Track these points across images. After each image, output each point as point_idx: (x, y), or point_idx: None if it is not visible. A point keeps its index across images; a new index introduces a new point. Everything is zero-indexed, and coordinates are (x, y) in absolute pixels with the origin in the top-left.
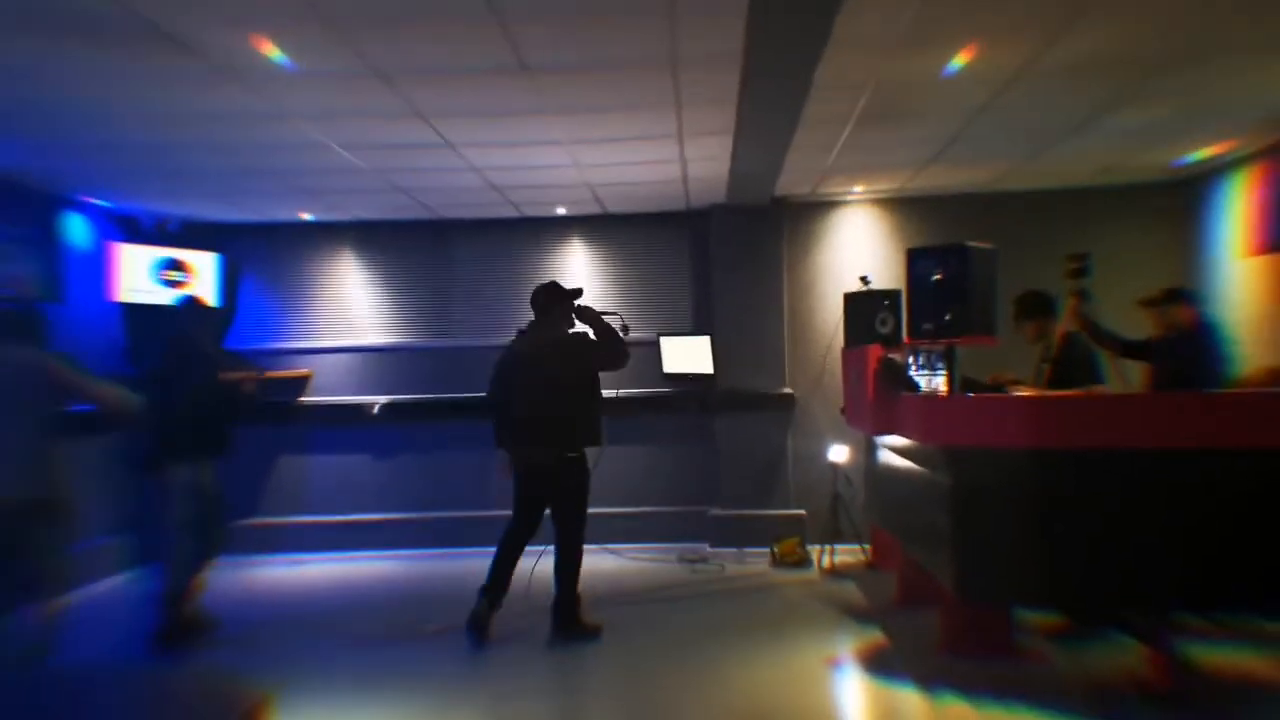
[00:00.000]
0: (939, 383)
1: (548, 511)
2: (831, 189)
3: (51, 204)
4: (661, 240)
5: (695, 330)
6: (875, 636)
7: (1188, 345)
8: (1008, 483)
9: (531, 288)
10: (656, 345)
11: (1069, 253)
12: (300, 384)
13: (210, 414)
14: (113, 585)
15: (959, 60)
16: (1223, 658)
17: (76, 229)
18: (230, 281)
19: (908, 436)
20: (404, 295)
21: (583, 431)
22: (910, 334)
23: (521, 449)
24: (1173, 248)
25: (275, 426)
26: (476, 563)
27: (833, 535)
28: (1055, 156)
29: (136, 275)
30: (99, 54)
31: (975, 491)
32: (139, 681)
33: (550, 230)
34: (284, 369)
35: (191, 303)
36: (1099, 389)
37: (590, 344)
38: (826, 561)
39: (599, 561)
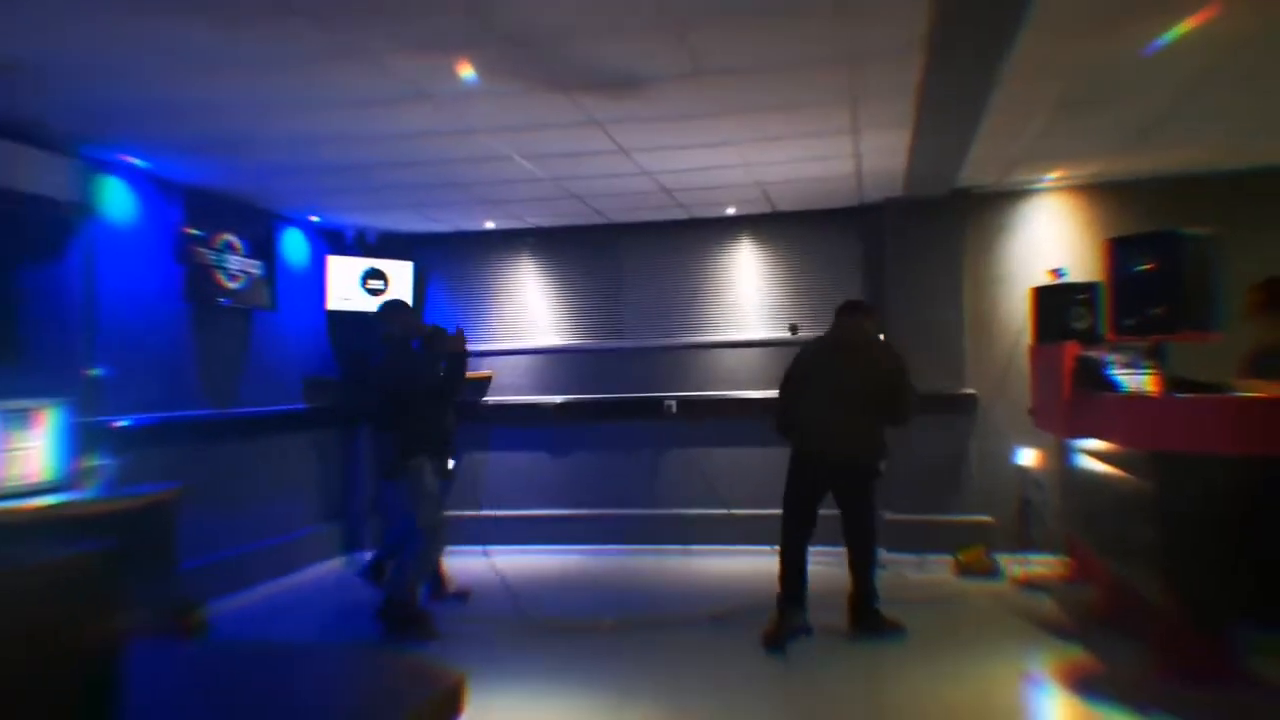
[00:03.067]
0: (1143, 382)
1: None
2: (1020, 177)
3: (270, 220)
4: (832, 236)
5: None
6: (1078, 655)
7: None
8: (1233, 492)
9: (700, 287)
10: None
11: None
12: (483, 385)
13: (443, 408)
14: (329, 569)
15: (1183, 27)
16: None
17: (290, 243)
18: (419, 288)
19: (1110, 441)
20: (577, 298)
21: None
22: (1112, 330)
23: (818, 445)
24: None
25: (464, 426)
26: (647, 560)
27: (1023, 544)
28: None
29: (345, 285)
30: (309, 83)
31: (1193, 501)
32: (339, 657)
33: (719, 230)
34: (468, 371)
35: (393, 304)
36: None
37: (897, 356)
38: (1019, 572)
39: (775, 564)
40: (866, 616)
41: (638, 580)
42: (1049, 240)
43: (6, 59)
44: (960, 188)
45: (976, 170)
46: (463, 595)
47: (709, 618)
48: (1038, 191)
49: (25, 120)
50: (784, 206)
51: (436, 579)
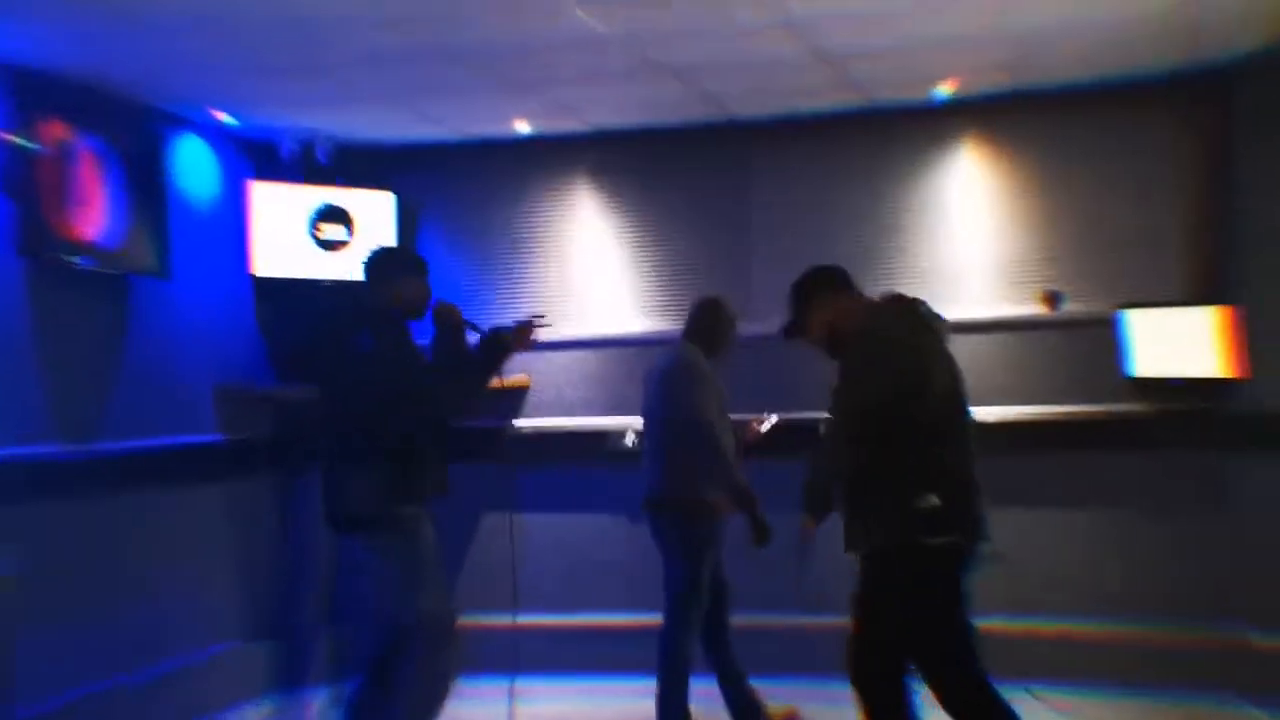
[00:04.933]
0: None
1: None
2: None
3: (154, 123)
4: (1126, 133)
5: (1191, 298)
6: None
7: None
8: None
9: (886, 231)
10: (1111, 327)
11: None
12: (514, 398)
13: (443, 432)
14: (255, 716)
15: None
16: None
17: (188, 162)
18: (405, 235)
19: None
20: (672, 253)
21: None
22: None
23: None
24: None
25: (477, 467)
26: (796, 698)
27: None
28: None
29: (282, 232)
30: None
31: None
32: None
33: (918, 130)
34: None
35: (387, 255)
36: None
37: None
38: None
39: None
40: None
41: None
42: None
43: None
44: None
45: None
46: None
47: None
48: None
49: None
50: (1035, 80)
51: None
